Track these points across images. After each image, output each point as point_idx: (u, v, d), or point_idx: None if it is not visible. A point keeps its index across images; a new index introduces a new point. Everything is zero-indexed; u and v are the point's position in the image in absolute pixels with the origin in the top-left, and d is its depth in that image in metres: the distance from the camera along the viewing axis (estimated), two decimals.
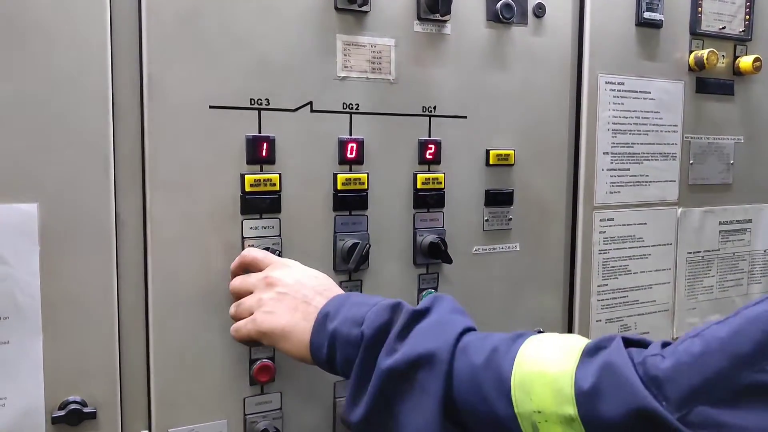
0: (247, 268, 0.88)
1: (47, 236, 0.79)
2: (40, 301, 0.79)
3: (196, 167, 0.87)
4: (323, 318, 0.78)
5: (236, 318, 0.85)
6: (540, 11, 1.10)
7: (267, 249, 0.90)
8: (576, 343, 0.64)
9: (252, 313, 0.83)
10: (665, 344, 0.59)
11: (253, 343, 0.85)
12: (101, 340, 0.83)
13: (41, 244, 0.79)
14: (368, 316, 0.74)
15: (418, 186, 1.02)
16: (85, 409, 0.82)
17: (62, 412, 0.81)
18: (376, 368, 0.70)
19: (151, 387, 0.87)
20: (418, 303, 1.03)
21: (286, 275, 0.83)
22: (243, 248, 0.90)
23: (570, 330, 1.21)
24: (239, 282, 0.87)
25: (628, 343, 0.61)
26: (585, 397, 0.58)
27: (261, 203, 0.90)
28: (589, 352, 0.62)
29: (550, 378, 0.61)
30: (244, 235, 0.90)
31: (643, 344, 0.61)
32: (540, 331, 0.72)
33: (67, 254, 0.81)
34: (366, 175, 0.98)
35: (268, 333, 0.81)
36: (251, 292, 0.84)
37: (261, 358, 0.93)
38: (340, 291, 0.84)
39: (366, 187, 0.98)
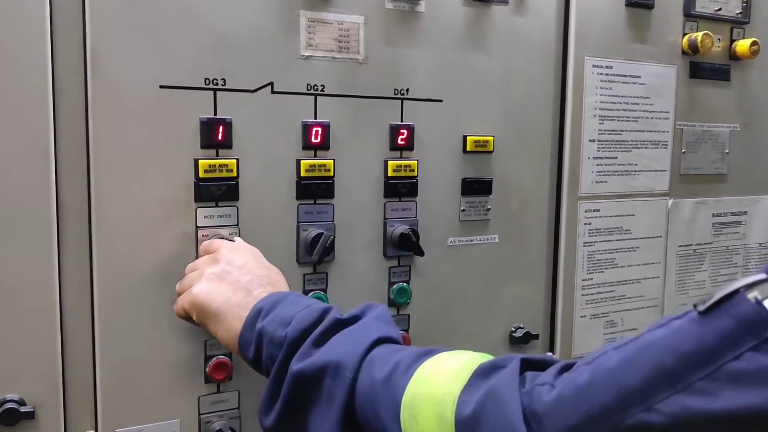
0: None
1: None
2: None
3: (145, 151, 0.81)
4: (256, 313, 0.72)
5: (179, 294, 0.80)
6: None
7: (222, 239, 0.84)
8: (472, 363, 0.58)
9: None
10: (566, 367, 0.52)
11: (191, 320, 0.79)
12: (41, 335, 0.78)
13: None
14: (296, 317, 0.69)
15: (389, 173, 0.97)
16: (23, 408, 0.76)
17: None
18: (288, 372, 0.66)
19: (97, 384, 0.82)
20: (388, 295, 0.98)
21: (236, 257, 0.78)
22: (197, 238, 0.85)
23: (552, 328, 1.16)
24: (191, 263, 0.82)
25: (528, 365, 0.56)
26: (464, 426, 0.53)
27: (216, 190, 0.85)
28: (482, 374, 0.56)
29: (436, 400, 0.56)
30: (198, 224, 0.85)
31: (545, 366, 0.55)
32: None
33: (4, 242, 0.75)
34: (332, 161, 0.92)
35: (199, 307, 0.75)
36: None
37: (217, 355, 0.87)
38: (284, 288, 0.79)
39: (332, 174, 0.92)
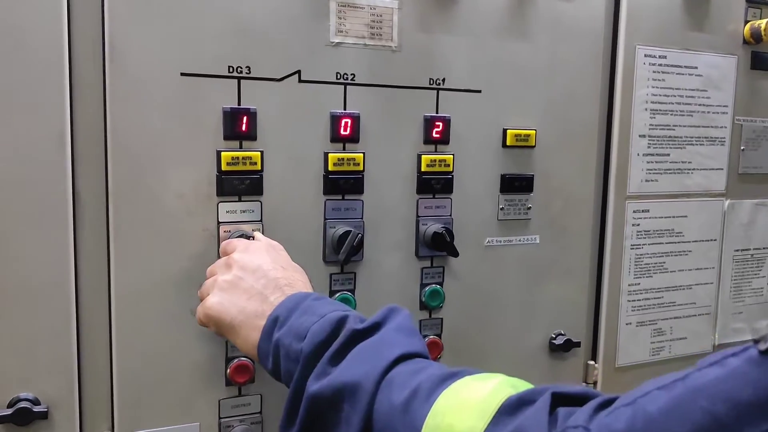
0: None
1: None
2: None
3: (165, 142, 0.77)
4: (272, 323, 0.68)
5: (201, 300, 0.76)
6: None
7: (241, 236, 0.80)
8: (498, 394, 0.52)
9: None
10: (603, 404, 0.46)
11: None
12: (57, 332, 0.75)
13: None
14: (311, 330, 0.64)
15: (423, 168, 0.91)
16: (36, 408, 0.74)
17: (9, 411, 0.73)
18: (305, 392, 0.62)
19: (113, 384, 0.79)
20: (420, 298, 0.93)
21: (249, 259, 0.73)
22: (219, 233, 0.81)
23: (595, 335, 1.09)
24: (210, 267, 0.78)
25: (561, 399, 0.49)
26: None
27: (239, 184, 0.81)
28: (509, 409, 0.50)
29: None
30: (220, 220, 0.81)
31: (581, 401, 0.49)
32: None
33: (18, 236, 0.73)
34: (362, 154, 0.87)
35: (215, 319, 0.71)
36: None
37: (238, 357, 0.83)
38: (305, 287, 0.73)
39: (362, 169, 0.87)
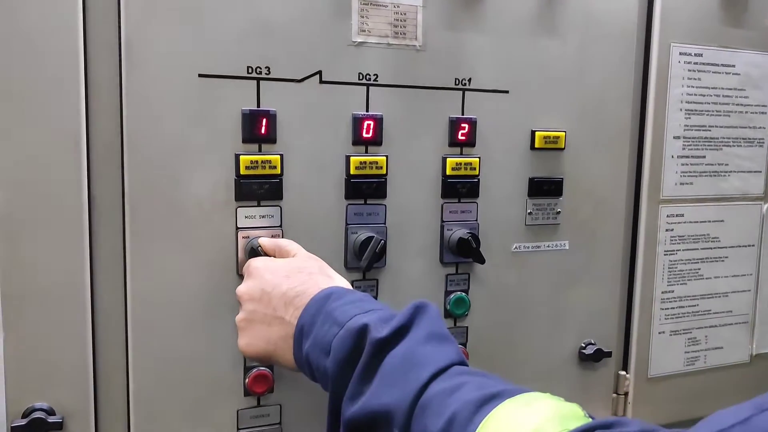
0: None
1: (8, 222, 0.70)
2: (1, 296, 0.70)
3: (182, 145, 0.75)
4: (299, 334, 0.66)
5: None
6: None
7: (258, 245, 0.77)
8: (545, 428, 0.47)
9: None
10: None
11: None
12: (72, 341, 0.73)
13: (1, 231, 0.69)
14: (334, 345, 0.61)
15: (448, 172, 0.88)
16: (51, 418, 0.72)
17: (24, 422, 0.71)
18: (342, 416, 0.59)
19: (130, 394, 0.77)
20: (445, 306, 0.90)
21: (251, 286, 0.72)
22: (237, 239, 0.78)
23: (627, 345, 1.05)
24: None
25: None
26: None
27: (258, 188, 0.78)
28: None
29: None
30: (239, 225, 0.78)
31: None
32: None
33: (33, 242, 0.71)
34: (385, 158, 0.84)
35: (254, 359, 0.74)
36: None
37: (257, 366, 0.81)
38: (318, 285, 0.69)
39: (384, 172, 0.84)
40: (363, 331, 0.61)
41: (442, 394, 0.54)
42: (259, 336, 0.70)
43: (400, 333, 0.60)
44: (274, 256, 0.77)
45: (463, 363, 0.59)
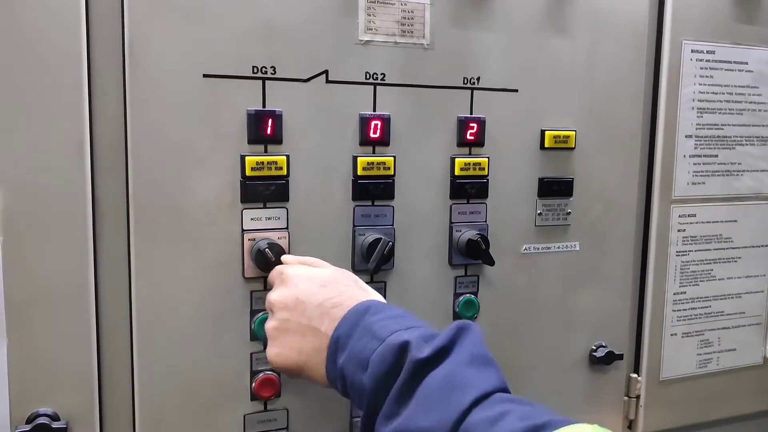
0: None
1: (11, 225, 0.69)
2: (4, 300, 0.69)
3: (187, 147, 0.74)
4: (334, 347, 0.64)
5: None
6: None
7: (265, 247, 0.76)
8: None
9: None
10: None
11: None
12: (76, 345, 0.72)
13: (4, 234, 0.68)
14: (372, 360, 0.59)
15: (457, 172, 0.86)
16: (55, 424, 0.71)
17: (28, 427, 0.70)
18: None
19: (135, 398, 0.76)
20: (453, 308, 0.88)
21: (286, 296, 0.69)
22: (243, 241, 0.77)
23: (638, 347, 1.03)
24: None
25: None
26: None
27: (264, 190, 0.77)
28: None
29: None
30: (245, 227, 0.77)
31: None
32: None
33: (36, 246, 0.70)
34: (392, 158, 0.83)
35: (282, 370, 0.70)
36: None
37: (264, 371, 0.80)
38: (355, 297, 0.67)
39: (392, 173, 0.83)
40: (403, 348, 0.59)
41: (484, 423, 0.52)
42: (291, 346, 0.67)
43: (441, 354, 0.58)
44: None
45: (506, 389, 0.57)
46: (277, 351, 0.69)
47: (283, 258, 0.75)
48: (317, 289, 0.68)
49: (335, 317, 0.65)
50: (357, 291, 0.69)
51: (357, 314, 0.64)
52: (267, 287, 0.78)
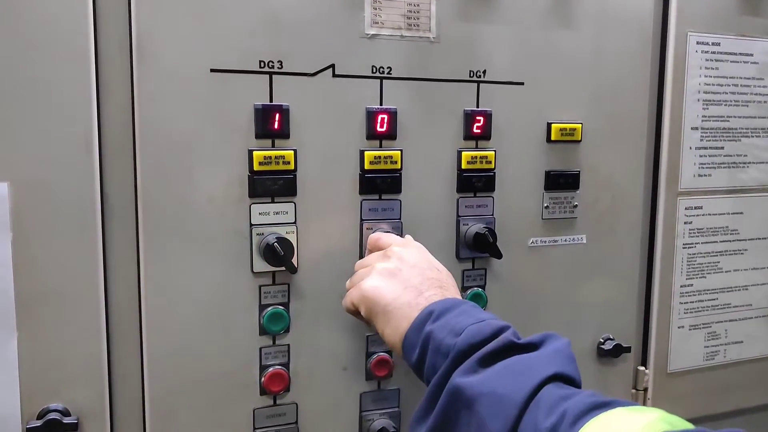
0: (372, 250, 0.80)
1: (21, 221, 0.69)
2: (14, 296, 0.69)
3: (195, 142, 0.74)
4: (426, 316, 0.67)
5: (348, 289, 0.77)
6: None
7: (273, 242, 0.76)
8: (654, 429, 0.48)
9: None
10: None
11: (359, 315, 0.75)
12: (86, 340, 0.73)
13: (13, 230, 0.69)
14: (469, 329, 0.63)
15: (463, 166, 0.86)
16: (66, 419, 0.71)
17: (39, 423, 0.70)
18: (449, 382, 0.61)
19: (145, 393, 0.76)
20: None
21: (408, 254, 0.74)
22: (252, 236, 0.77)
23: (646, 339, 1.03)
24: (360, 260, 0.80)
25: None
26: None
27: (272, 184, 0.77)
28: None
29: None
30: (253, 222, 0.77)
31: None
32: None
33: (45, 242, 0.70)
34: (399, 152, 0.83)
35: (369, 301, 0.72)
36: None
37: (273, 365, 0.80)
38: (457, 294, 0.73)
39: (399, 167, 0.83)
40: (501, 329, 0.64)
41: (557, 397, 0.55)
42: (392, 289, 0.71)
43: (530, 347, 0.63)
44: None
45: (580, 385, 0.60)
46: (377, 285, 0.72)
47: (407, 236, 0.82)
48: (433, 269, 0.74)
49: (437, 295, 0.70)
50: (456, 292, 0.74)
51: (458, 302, 0.69)
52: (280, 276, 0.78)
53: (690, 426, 0.49)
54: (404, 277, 0.72)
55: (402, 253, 0.74)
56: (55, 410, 0.72)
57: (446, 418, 0.61)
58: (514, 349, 0.62)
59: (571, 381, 0.59)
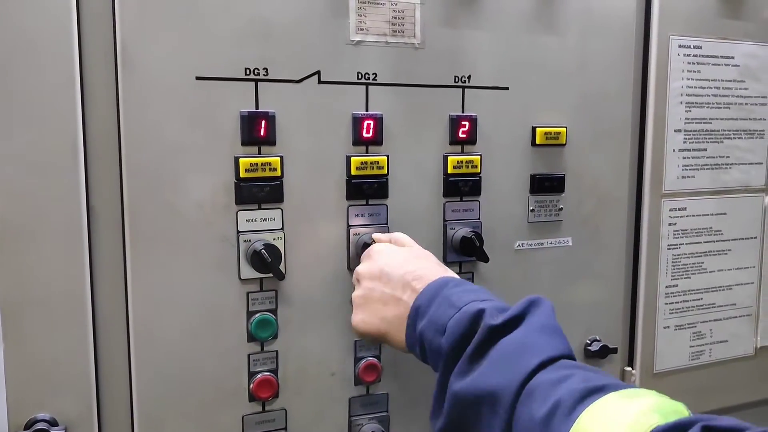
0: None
1: (6, 229, 0.69)
2: (1, 306, 0.69)
3: (181, 150, 0.74)
4: (414, 314, 0.69)
5: None
6: None
7: (260, 249, 0.76)
8: (646, 420, 0.48)
9: None
10: None
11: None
12: (73, 349, 0.72)
13: None
14: (449, 325, 0.64)
15: (450, 170, 0.87)
16: (54, 429, 0.71)
17: None
18: (448, 389, 0.62)
19: (133, 402, 0.76)
20: None
21: (371, 266, 0.75)
22: (239, 243, 0.77)
23: (632, 340, 1.04)
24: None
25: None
26: None
27: (259, 191, 0.77)
28: None
29: None
30: (240, 229, 0.78)
31: None
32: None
33: (31, 250, 0.70)
34: (386, 157, 0.83)
35: (365, 336, 0.76)
36: None
37: (261, 371, 0.80)
38: (435, 273, 0.72)
39: (386, 172, 0.83)
40: (478, 315, 0.63)
41: (548, 383, 0.55)
42: (374, 314, 0.72)
43: (513, 322, 0.62)
44: None
45: (572, 357, 0.61)
46: (361, 318, 0.74)
47: (374, 236, 0.82)
48: (401, 263, 0.73)
49: (416, 288, 0.70)
50: (437, 268, 0.74)
51: (436, 286, 0.69)
52: (269, 285, 0.78)
53: (682, 411, 0.49)
54: (377, 294, 0.73)
55: (365, 271, 0.75)
56: (43, 420, 0.71)
57: (456, 420, 0.62)
58: (496, 334, 0.61)
59: (558, 359, 0.58)
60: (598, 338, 1.00)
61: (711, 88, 1.03)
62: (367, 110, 0.82)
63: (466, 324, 0.63)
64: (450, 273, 0.74)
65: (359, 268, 0.76)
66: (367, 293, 0.74)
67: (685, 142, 1.03)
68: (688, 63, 1.01)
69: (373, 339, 0.75)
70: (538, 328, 0.61)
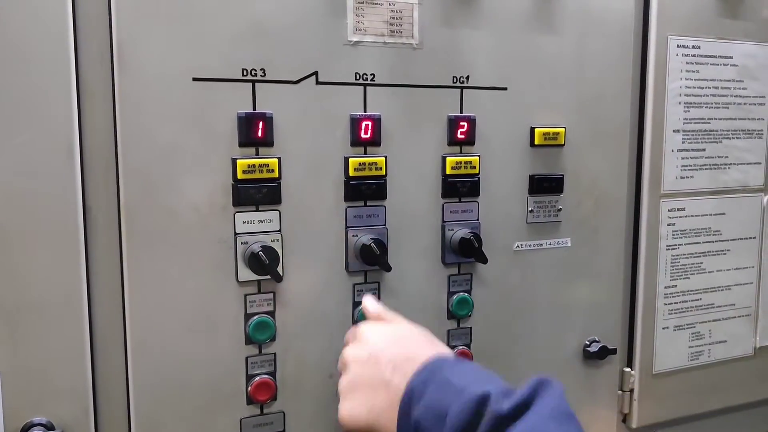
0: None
1: (1, 231, 0.68)
2: None
3: (178, 151, 0.74)
4: (408, 398, 0.62)
5: None
6: None
7: (258, 251, 0.76)
8: None
9: None
10: None
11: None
12: (70, 353, 0.72)
13: None
14: (450, 414, 0.57)
15: (448, 171, 0.87)
16: None
17: None
18: None
19: (130, 405, 0.75)
20: (447, 307, 0.88)
21: (359, 350, 0.70)
22: (236, 245, 0.77)
23: (631, 341, 1.04)
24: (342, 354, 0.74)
25: None
26: None
27: (256, 193, 0.77)
28: None
29: None
30: (237, 231, 0.77)
31: None
32: None
33: (26, 253, 0.69)
34: (384, 158, 0.83)
35: (353, 428, 0.68)
36: None
37: (260, 374, 0.80)
38: (427, 352, 0.66)
39: (384, 173, 0.83)
40: (483, 401, 0.57)
41: None
42: (362, 402, 0.66)
43: (522, 408, 0.56)
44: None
45: None
46: (348, 408, 0.68)
47: (364, 304, 0.78)
48: (390, 345, 0.68)
49: (407, 371, 0.64)
50: (429, 347, 0.68)
51: (432, 367, 0.63)
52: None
53: None
54: (365, 380, 0.67)
55: (352, 355, 0.70)
56: (39, 424, 0.71)
57: None
58: (505, 422, 0.55)
59: None
60: (597, 339, 1.00)
61: (709, 88, 1.03)
62: (365, 111, 0.82)
63: (469, 412, 0.57)
64: (443, 349, 0.69)
65: (346, 352, 0.72)
66: (354, 378, 0.68)
67: (683, 143, 1.03)
68: (687, 63, 1.01)
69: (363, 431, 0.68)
70: (548, 414, 0.55)
